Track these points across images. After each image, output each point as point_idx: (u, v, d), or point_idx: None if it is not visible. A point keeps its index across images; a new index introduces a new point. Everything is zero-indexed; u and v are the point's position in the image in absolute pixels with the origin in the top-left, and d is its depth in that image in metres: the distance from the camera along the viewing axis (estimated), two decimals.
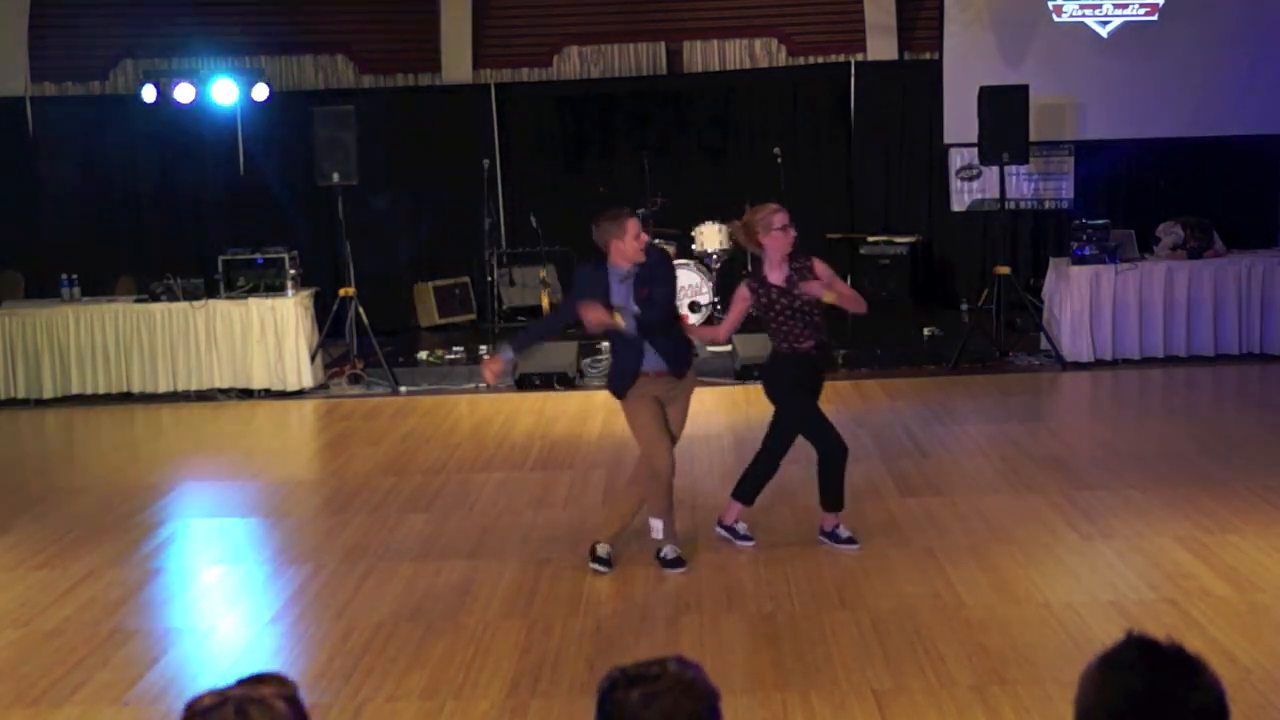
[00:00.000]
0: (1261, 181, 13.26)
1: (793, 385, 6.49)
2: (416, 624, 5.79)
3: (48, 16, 13.64)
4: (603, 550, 6.43)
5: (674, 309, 6.58)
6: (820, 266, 6.44)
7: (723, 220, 12.43)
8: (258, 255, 11.25)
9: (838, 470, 6.49)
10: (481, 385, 11.17)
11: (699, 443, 8.93)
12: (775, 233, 6.37)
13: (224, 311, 11.09)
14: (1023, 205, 13.45)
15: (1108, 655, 2.08)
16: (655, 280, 6.25)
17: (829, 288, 6.36)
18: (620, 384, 6.35)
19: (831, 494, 6.57)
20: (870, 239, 13.61)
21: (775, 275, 6.42)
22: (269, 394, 11.10)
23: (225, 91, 12.49)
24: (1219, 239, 11.50)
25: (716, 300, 12.31)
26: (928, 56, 13.62)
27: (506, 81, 14.23)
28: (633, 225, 6.19)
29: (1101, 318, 11.09)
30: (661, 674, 2.09)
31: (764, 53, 14.21)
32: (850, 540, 6.58)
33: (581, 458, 8.71)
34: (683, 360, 6.38)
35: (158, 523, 7.62)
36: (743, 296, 6.52)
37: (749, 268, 6.85)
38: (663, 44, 14.24)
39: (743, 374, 10.82)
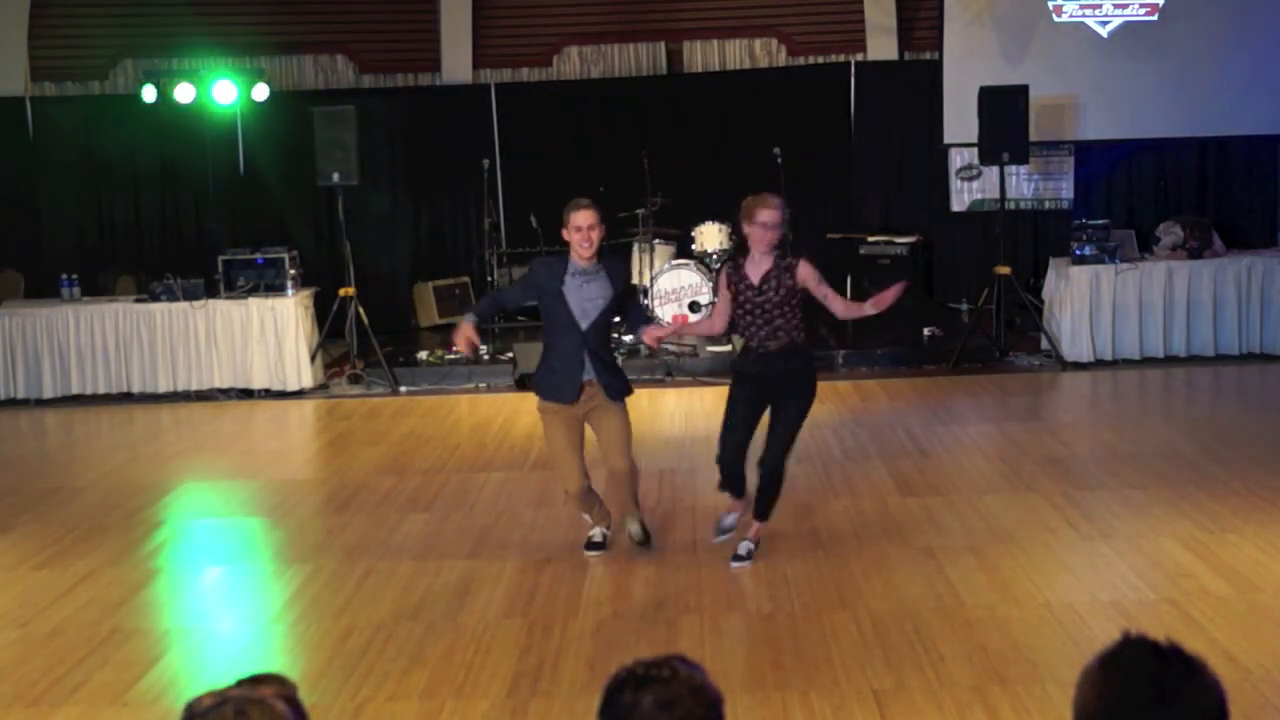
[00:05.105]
0: (1261, 181, 13.25)
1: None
2: (416, 624, 5.78)
3: (48, 16, 13.64)
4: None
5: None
6: (805, 269, 6.15)
7: (723, 220, 12.44)
8: (258, 255, 11.26)
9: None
10: (481, 386, 11.17)
11: (699, 443, 8.92)
12: (755, 226, 6.18)
13: (224, 311, 11.10)
14: (1023, 205, 13.44)
15: (1106, 656, 2.06)
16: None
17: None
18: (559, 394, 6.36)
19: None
20: (870, 239, 13.59)
21: (753, 270, 6.21)
22: (269, 394, 11.10)
23: (225, 91, 12.48)
24: (1219, 239, 11.51)
25: (716, 300, 12.29)
26: (928, 56, 13.61)
27: (506, 81, 14.21)
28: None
29: (1101, 318, 11.09)
30: (673, 677, 2.04)
31: (764, 53, 14.20)
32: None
33: None
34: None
35: (158, 523, 7.62)
36: (722, 283, 6.39)
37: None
38: (663, 44, 14.24)
39: None
